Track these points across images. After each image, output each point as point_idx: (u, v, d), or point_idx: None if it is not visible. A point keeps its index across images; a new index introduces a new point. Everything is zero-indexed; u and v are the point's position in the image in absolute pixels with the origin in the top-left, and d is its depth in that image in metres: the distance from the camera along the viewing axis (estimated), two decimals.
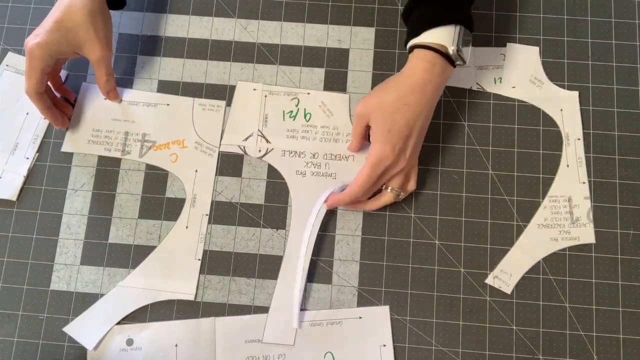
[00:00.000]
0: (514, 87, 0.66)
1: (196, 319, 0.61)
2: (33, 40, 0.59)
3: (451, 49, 0.56)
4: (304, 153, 0.65)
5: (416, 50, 0.58)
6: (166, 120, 0.66)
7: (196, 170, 0.65)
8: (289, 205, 0.64)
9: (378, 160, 0.57)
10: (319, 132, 0.65)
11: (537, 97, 0.65)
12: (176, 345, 0.60)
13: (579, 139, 0.64)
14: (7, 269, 0.63)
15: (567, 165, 0.64)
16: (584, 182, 0.63)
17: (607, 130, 0.65)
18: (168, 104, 0.67)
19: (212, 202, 0.64)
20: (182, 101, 0.67)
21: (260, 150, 0.65)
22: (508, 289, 0.61)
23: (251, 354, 0.60)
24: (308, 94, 0.67)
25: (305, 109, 0.66)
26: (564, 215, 0.62)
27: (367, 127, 0.60)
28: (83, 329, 0.61)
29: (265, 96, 0.67)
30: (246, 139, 0.66)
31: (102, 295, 0.62)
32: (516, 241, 0.62)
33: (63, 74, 0.68)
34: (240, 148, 0.65)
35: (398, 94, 0.57)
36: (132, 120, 0.66)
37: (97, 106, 0.67)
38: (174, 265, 0.62)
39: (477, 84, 0.66)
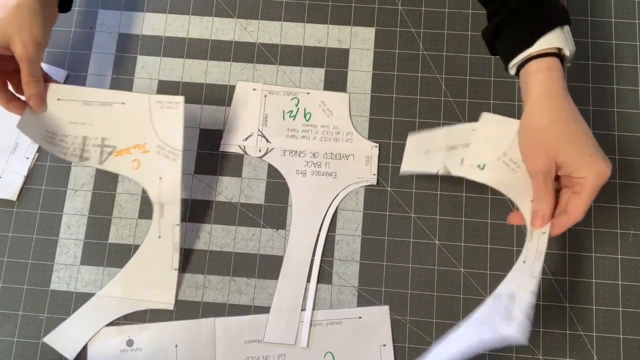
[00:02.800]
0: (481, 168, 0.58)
1: (196, 320, 0.61)
2: None
3: (568, 51, 0.52)
4: (304, 152, 0.65)
5: (533, 62, 0.52)
6: (124, 121, 0.60)
7: (160, 178, 0.60)
8: (289, 205, 0.64)
9: (599, 179, 0.49)
10: (319, 132, 0.65)
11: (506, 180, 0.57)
12: (176, 346, 0.60)
13: None
14: (7, 269, 0.63)
15: None
16: None
17: (607, 130, 0.65)
18: (123, 103, 0.60)
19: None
20: (137, 99, 0.60)
21: (260, 150, 0.65)
22: None
23: (251, 355, 0.60)
24: (308, 93, 0.67)
25: (305, 109, 0.66)
26: None
27: (556, 179, 0.52)
28: (63, 338, 0.60)
29: (265, 96, 0.67)
30: (246, 138, 0.66)
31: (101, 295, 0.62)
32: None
33: (63, 73, 0.68)
34: (241, 148, 0.65)
35: (553, 116, 0.50)
36: (90, 123, 0.60)
37: (51, 107, 0.59)
38: (151, 275, 0.61)
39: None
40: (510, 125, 0.56)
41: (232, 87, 0.67)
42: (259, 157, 0.65)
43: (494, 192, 0.63)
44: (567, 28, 0.53)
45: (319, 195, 0.64)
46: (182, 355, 0.60)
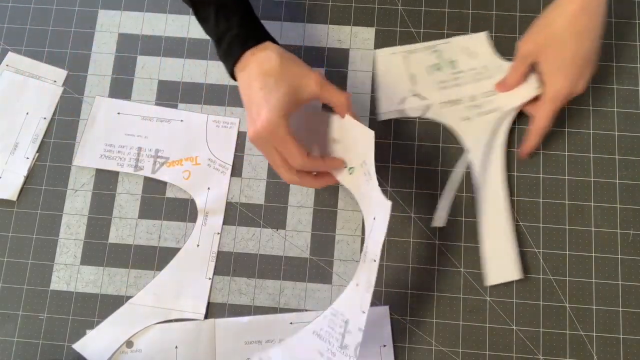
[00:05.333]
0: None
1: (196, 321, 0.61)
2: (260, 124, 0.51)
3: None
4: (462, 99, 0.64)
5: None
6: (179, 136, 0.66)
7: (208, 188, 0.64)
8: (289, 205, 0.64)
9: (557, 96, 0.58)
10: (469, 75, 0.65)
11: None
12: (176, 347, 0.60)
13: None
14: (7, 269, 0.63)
15: None
16: None
17: (607, 130, 0.65)
18: (182, 120, 0.66)
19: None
20: (196, 117, 0.66)
21: (419, 109, 0.65)
22: None
23: (251, 356, 0.60)
24: (447, 43, 0.67)
25: (449, 58, 0.66)
26: None
27: (531, 66, 0.59)
28: (92, 346, 0.60)
29: (406, 57, 0.67)
30: (401, 102, 0.65)
31: (102, 295, 0.62)
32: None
33: (63, 73, 0.68)
34: (399, 112, 0.65)
35: (565, 23, 0.55)
36: (145, 136, 0.66)
37: (111, 120, 0.66)
38: (184, 284, 0.62)
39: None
40: (368, 135, 0.53)
41: (232, 87, 0.67)
42: (419, 117, 0.65)
43: None
44: None
45: (489, 135, 0.63)
46: (182, 357, 0.60)
